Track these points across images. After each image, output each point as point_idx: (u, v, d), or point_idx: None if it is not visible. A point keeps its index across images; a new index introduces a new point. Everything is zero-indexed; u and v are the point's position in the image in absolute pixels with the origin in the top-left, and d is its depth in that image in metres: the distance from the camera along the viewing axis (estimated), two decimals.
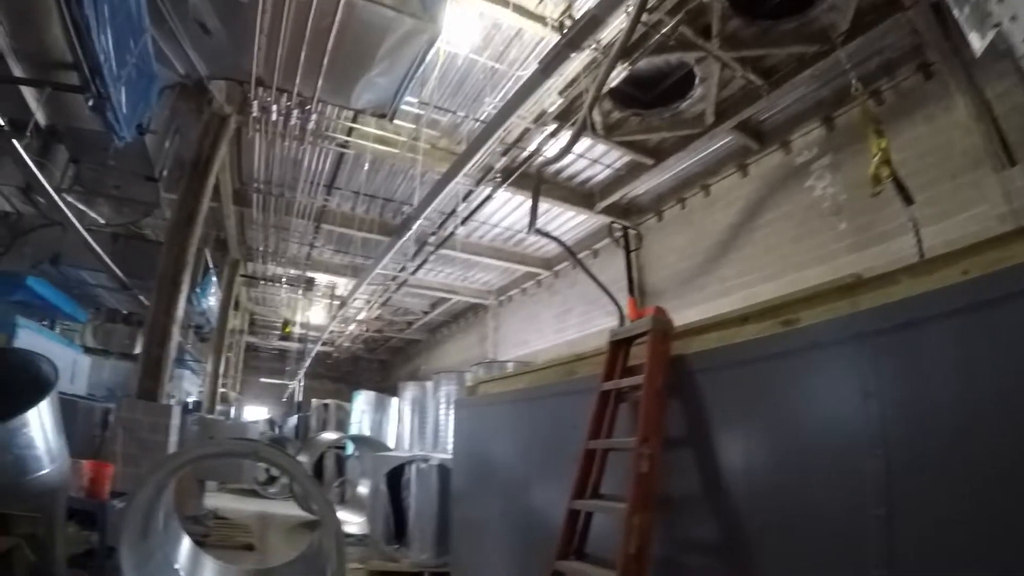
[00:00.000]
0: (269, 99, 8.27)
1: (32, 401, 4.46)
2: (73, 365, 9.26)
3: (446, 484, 8.07)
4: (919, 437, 2.37)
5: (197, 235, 8.35)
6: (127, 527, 4.80)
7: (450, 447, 9.39)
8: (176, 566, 5.61)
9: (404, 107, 8.85)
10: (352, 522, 10.97)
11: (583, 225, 13.70)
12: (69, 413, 6.19)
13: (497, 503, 5.85)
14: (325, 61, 7.09)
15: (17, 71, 5.03)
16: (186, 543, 6.12)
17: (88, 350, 11.09)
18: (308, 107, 8.44)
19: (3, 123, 4.96)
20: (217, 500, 12.93)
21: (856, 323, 2.66)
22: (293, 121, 8.84)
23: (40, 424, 4.51)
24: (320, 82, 7.53)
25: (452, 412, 9.90)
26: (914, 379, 2.42)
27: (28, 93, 5.34)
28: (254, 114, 8.61)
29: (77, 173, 7.19)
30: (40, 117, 5.59)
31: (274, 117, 8.70)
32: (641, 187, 11.64)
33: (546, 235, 10.17)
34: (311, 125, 9.06)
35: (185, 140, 8.88)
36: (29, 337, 7.47)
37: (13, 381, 4.86)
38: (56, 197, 6.55)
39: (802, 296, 3.08)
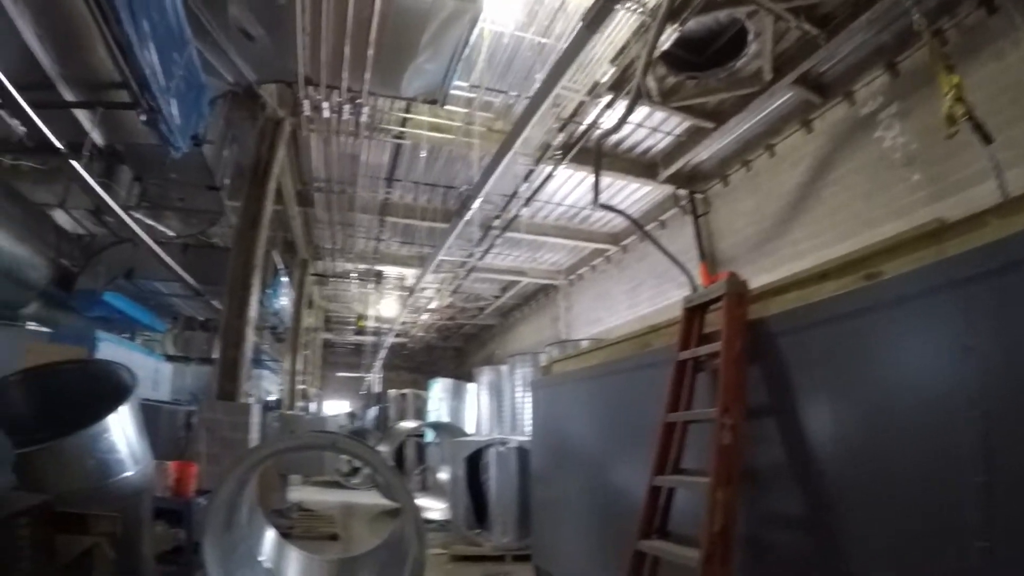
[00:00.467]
0: (320, 97, 8.36)
1: (112, 408, 4.63)
2: (155, 373, 9.66)
3: (525, 466, 8.09)
4: (1022, 393, 2.14)
5: (263, 239, 8.52)
6: (210, 522, 4.95)
7: (528, 429, 9.38)
8: (260, 558, 5.78)
9: (455, 92, 8.79)
10: (434, 508, 11.13)
11: (648, 196, 13.37)
12: (153, 418, 6.47)
13: (577, 483, 5.80)
14: (370, 53, 7.10)
15: (68, 96, 5.21)
16: (270, 535, 6.29)
17: (169, 358, 11.57)
18: (359, 101, 8.49)
19: (62, 147, 5.12)
20: (301, 493, 13.38)
21: (946, 271, 2.44)
22: (346, 117, 8.94)
23: (121, 429, 4.70)
24: (368, 75, 7.56)
25: (528, 394, 9.88)
26: (1015, 329, 2.18)
27: (82, 116, 5.55)
28: (306, 114, 8.74)
29: (143, 190, 7.48)
30: (97, 137, 5.80)
31: (327, 115, 8.81)
32: (703, 152, 11.22)
33: (611, 209, 9.95)
34: (364, 119, 9.14)
35: (242, 147, 9.08)
36: (110, 349, 7.79)
37: (94, 391, 5.08)
38: (124, 215, 6.80)
39: (884, 247, 2.88)
